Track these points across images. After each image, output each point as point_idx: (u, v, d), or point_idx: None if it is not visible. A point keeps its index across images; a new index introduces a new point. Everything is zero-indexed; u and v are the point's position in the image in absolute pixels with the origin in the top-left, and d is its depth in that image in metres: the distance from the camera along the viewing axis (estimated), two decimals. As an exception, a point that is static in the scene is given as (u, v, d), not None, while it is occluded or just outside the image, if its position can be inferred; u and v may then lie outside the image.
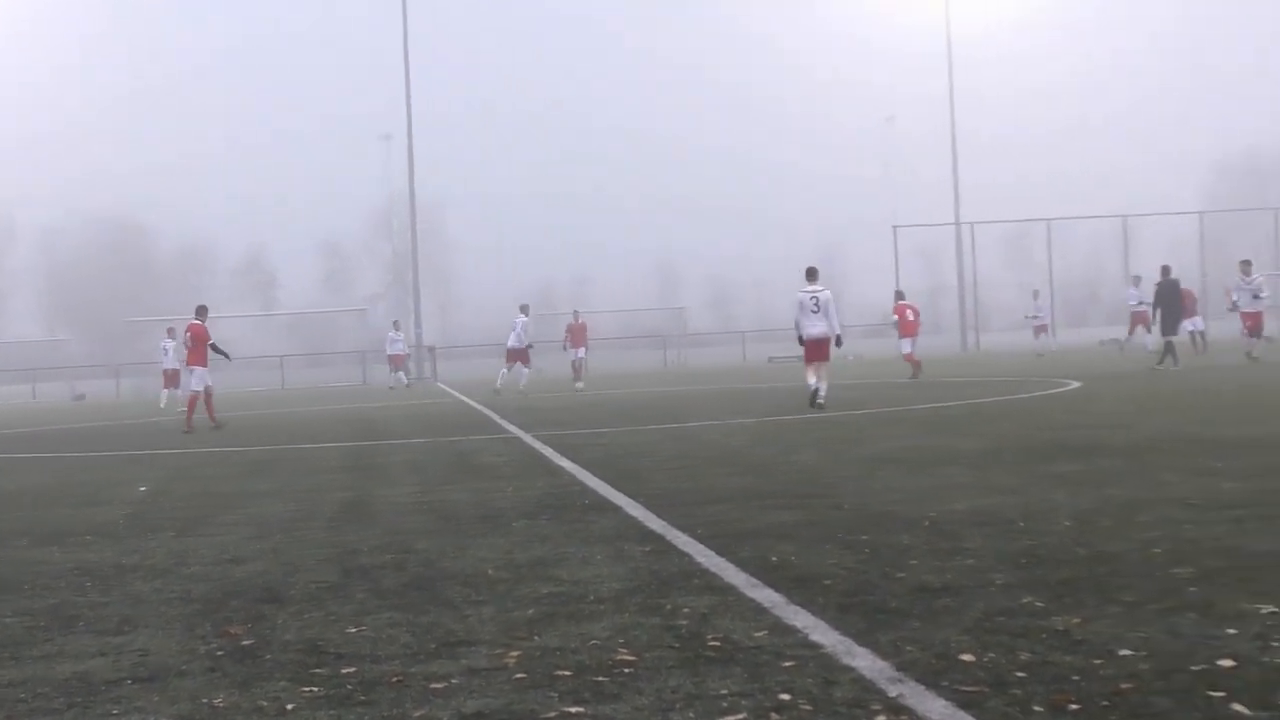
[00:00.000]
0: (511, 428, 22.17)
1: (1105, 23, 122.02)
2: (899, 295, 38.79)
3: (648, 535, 9.40)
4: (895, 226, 66.40)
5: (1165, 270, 35.28)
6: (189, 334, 27.90)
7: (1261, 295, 37.75)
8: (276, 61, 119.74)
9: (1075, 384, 27.08)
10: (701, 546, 8.71)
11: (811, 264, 25.22)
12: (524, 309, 40.24)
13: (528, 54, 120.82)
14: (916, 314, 37.81)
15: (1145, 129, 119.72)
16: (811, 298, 24.03)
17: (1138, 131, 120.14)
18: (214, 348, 27.85)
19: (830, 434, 17.64)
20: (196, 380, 27.66)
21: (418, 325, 66.93)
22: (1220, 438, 14.37)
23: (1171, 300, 34.20)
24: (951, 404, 23.05)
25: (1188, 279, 40.88)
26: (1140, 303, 42.27)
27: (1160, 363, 32.40)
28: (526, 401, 33.48)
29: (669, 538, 9.18)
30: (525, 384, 38.85)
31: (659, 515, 10.31)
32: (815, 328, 24.00)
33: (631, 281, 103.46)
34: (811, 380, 23.92)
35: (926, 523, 9.29)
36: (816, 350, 24.09)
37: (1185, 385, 24.62)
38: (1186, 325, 41.11)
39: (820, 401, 23.56)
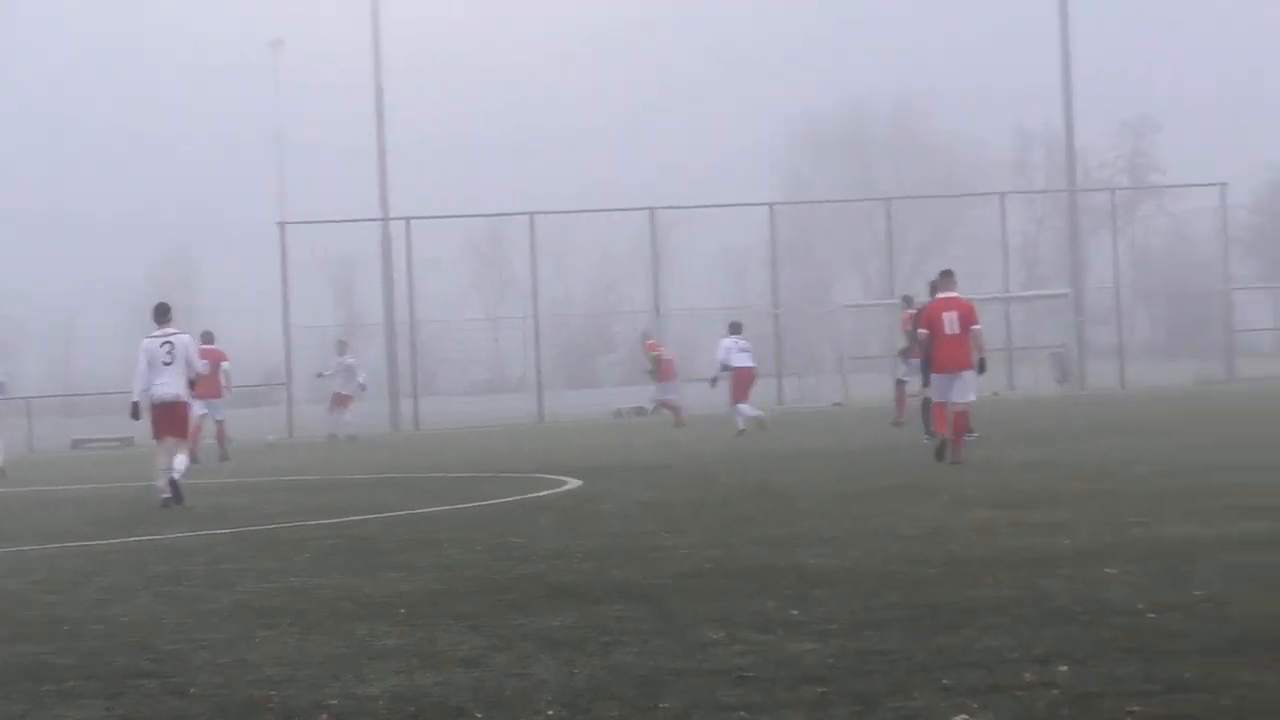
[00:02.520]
0: None
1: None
2: (206, 336, 41.69)
3: None
4: (282, 223, 66.52)
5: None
6: None
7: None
8: None
9: (573, 482, 27.65)
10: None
11: (162, 299, 26.95)
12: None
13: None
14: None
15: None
16: (164, 344, 25.14)
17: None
18: None
19: (178, 568, 17.50)
20: None
21: None
22: (797, 566, 14.86)
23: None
24: (381, 515, 23.19)
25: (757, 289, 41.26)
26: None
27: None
28: None
29: None
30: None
31: None
32: (167, 388, 25.03)
33: None
34: (162, 470, 24.81)
35: (325, 717, 9.29)
36: (169, 421, 25.13)
37: (758, 479, 25.47)
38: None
39: (181, 490, 24.72)
